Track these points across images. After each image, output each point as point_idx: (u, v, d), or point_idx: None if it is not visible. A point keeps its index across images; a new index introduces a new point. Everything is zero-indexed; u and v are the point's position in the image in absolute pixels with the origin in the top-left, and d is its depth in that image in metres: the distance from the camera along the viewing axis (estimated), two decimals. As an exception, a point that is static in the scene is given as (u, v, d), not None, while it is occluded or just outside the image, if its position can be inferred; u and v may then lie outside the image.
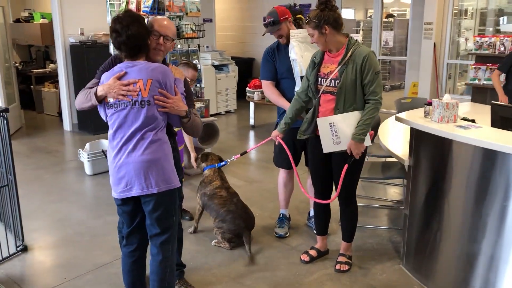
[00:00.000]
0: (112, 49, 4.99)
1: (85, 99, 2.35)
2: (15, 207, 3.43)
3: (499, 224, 2.50)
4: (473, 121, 3.02)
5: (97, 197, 4.58)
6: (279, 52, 3.49)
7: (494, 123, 3.02)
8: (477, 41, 6.71)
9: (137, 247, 2.47)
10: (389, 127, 4.12)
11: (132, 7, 4.78)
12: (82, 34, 6.99)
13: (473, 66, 6.74)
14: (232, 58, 8.88)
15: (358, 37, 9.11)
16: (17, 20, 8.97)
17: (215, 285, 3.02)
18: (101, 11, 7.04)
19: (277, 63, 3.48)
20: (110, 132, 2.32)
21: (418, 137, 2.98)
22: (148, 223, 2.39)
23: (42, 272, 3.22)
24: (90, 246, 3.55)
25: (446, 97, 2.79)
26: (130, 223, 2.43)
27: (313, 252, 3.35)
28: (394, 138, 3.84)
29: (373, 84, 2.78)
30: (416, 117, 2.99)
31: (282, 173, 3.72)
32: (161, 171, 2.27)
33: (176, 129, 3.85)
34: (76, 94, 7.13)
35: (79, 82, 7.03)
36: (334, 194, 3.06)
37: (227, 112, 8.63)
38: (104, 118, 2.37)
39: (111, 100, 2.25)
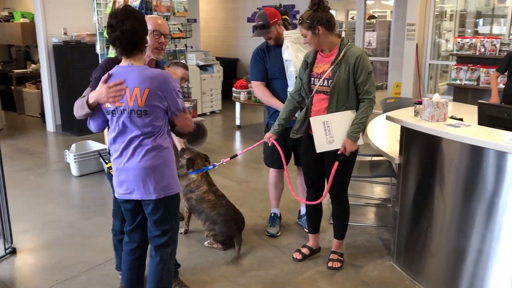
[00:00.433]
0: (98, 49, 4.95)
1: (80, 107, 2.33)
2: (3, 209, 3.38)
3: (487, 219, 2.57)
4: (461, 119, 3.10)
5: (85, 198, 4.54)
6: (269, 52, 3.51)
7: (481, 122, 3.09)
8: (458, 42, 6.87)
9: (138, 245, 2.47)
10: (376, 126, 4.19)
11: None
12: (65, 34, 6.90)
13: (455, 67, 6.89)
14: (217, 58, 8.88)
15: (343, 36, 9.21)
16: (-3, 20, 8.81)
17: (210, 285, 3.03)
18: (85, 11, 6.99)
19: (268, 64, 3.50)
20: (111, 136, 2.30)
21: (408, 136, 3.04)
22: (148, 225, 2.39)
23: (32, 274, 3.18)
24: (80, 247, 3.52)
25: (436, 97, 2.85)
26: (132, 221, 2.43)
27: (305, 250, 3.39)
28: (382, 137, 3.91)
29: (366, 83, 2.83)
30: (407, 116, 3.05)
31: (272, 173, 3.74)
32: (160, 178, 2.26)
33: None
34: (60, 94, 7.07)
35: (63, 82, 6.94)
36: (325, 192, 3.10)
37: (212, 112, 8.62)
38: (100, 123, 2.34)
39: (108, 106, 2.22)
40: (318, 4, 2.84)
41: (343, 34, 11.29)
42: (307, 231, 3.54)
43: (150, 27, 2.37)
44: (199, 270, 3.21)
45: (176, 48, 5.28)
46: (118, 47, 2.20)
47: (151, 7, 4.80)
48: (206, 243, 3.54)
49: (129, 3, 4.70)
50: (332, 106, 2.90)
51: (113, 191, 2.71)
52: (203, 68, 8.34)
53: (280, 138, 3.28)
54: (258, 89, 3.55)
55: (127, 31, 2.13)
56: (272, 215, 3.83)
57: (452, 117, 3.17)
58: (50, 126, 7.21)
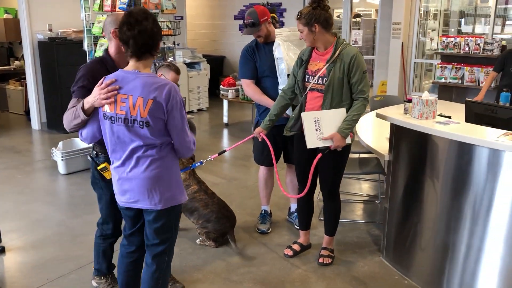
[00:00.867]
0: (86, 46, 4.90)
1: (72, 117, 2.24)
2: (-8, 207, 3.34)
3: (477, 215, 2.63)
4: (449, 117, 3.16)
5: (73, 196, 4.50)
6: (259, 50, 3.53)
7: (468, 119, 3.16)
8: (443, 41, 6.97)
9: (137, 249, 2.42)
10: (365, 123, 4.24)
11: (108, 3, 4.72)
12: (50, 30, 6.81)
13: (440, 65, 6.99)
14: (203, 56, 8.87)
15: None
16: (-21, 16, 8.65)
17: (202, 282, 3.04)
18: (70, 7, 6.92)
19: (258, 62, 3.51)
20: (108, 143, 2.20)
21: (398, 133, 3.09)
22: (147, 232, 2.31)
23: (23, 273, 3.15)
24: (71, 246, 3.49)
25: (426, 95, 2.90)
26: (132, 226, 2.39)
27: (296, 247, 3.42)
28: (370, 134, 3.95)
29: (361, 83, 2.86)
30: (396, 114, 3.09)
31: (262, 170, 3.76)
32: (166, 188, 2.19)
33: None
34: (45, 91, 6.97)
35: (48, 79, 6.86)
36: (318, 189, 3.13)
37: (200, 110, 8.61)
38: (95, 132, 2.25)
39: (107, 110, 2.12)
40: (318, 2, 2.86)
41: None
42: (298, 227, 3.57)
43: (115, 24, 2.29)
44: (190, 267, 3.22)
45: (165, 46, 5.25)
46: (131, 48, 2.06)
47: (140, 4, 4.77)
48: (198, 241, 3.55)
49: (118, 0, 4.66)
50: (326, 105, 2.92)
51: (102, 196, 2.66)
52: (190, 65, 8.32)
53: (269, 135, 3.29)
54: (249, 87, 3.56)
55: (145, 31, 2.03)
56: (263, 212, 3.85)
57: (440, 115, 3.22)
58: (35, 123, 7.12)
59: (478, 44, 6.60)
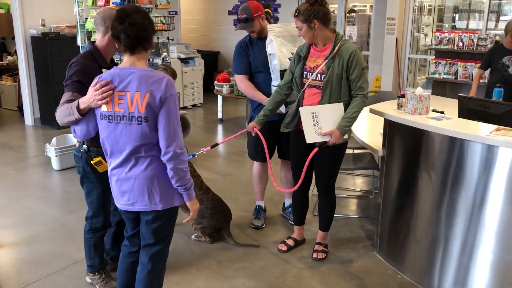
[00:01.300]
0: (79, 41, 4.88)
1: (67, 113, 2.22)
2: (-15, 203, 3.33)
3: (469, 209, 2.65)
4: (442, 112, 3.17)
5: (67, 192, 4.49)
6: (252, 46, 3.53)
7: (462, 115, 3.18)
8: (437, 37, 6.99)
9: (139, 249, 2.38)
10: (358, 119, 4.22)
11: (101, -2, 4.69)
12: (43, 25, 6.76)
13: (434, 61, 7.01)
14: (198, 51, 8.84)
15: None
16: (-29, 10, 8.58)
17: (196, 278, 3.05)
18: (63, 2, 6.87)
19: (251, 57, 3.51)
20: (104, 142, 2.16)
21: (391, 129, 3.10)
22: (143, 231, 2.28)
23: (17, 269, 3.15)
24: (65, 241, 3.49)
25: (419, 90, 2.91)
26: (134, 227, 2.36)
27: (290, 242, 3.43)
28: (364, 130, 3.96)
29: (360, 79, 2.86)
30: (390, 109, 3.10)
31: (256, 166, 3.77)
32: (166, 188, 2.15)
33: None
34: (39, 87, 6.93)
35: (42, 75, 6.82)
36: (313, 185, 3.13)
37: (194, 105, 8.59)
38: (90, 130, 2.22)
39: (104, 110, 2.09)
40: None
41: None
42: (292, 223, 3.58)
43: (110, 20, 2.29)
44: (184, 262, 3.23)
45: (159, 41, 5.24)
46: (123, 41, 2.05)
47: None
48: (193, 236, 3.55)
49: (111, -5, 4.64)
50: (324, 101, 2.91)
51: (93, 190, 2.66)
52: (184, 61, 8.29)
53: (263, 131, 3.29)
54: (242, 82, 3.56)
55: (136, 24, 2.02)
56: (257, 207, 3.86)
57: (434, 110, 3.24)
58: (28, 119, 7.08)
59: (472, 39, 6.62)
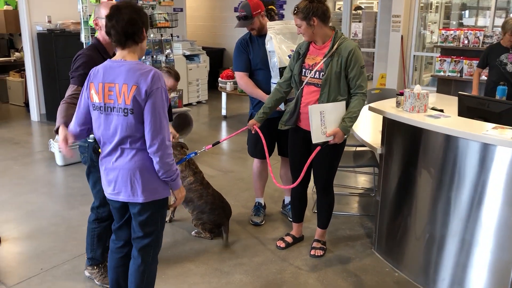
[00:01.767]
0: (83, 38, 4.90)
1: (60, 116, 2.42)
2: (-13, 198, 3.38)
3: (469, 209, 2.63)
4: (441, 111, 3.16)
5: (70, 187, 4.53)
6: (252, 43, 3.53)
7: (461, 113, 3.16)
8: (443, 34, 6.94)
9: (126, 243, 2.42)
10: (360, 117, 4.22)
11: (104, -5, 4.71)
12: (49, 22, 6.81)
13: (439, 59, 6.97)
14: (203, 48, 8.86)
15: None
16: (-21, 7, 8.67)
17: (194, 274, 3.07)
18: (69, -1, 6.91)
19: (251, 55, 3.52)
20: (97, 133, 2.21)
21: (390, 126, 3.09)
22: (133, 224, 2.32)
23: (17, 263, 3.19)
24: (66, 236, 3.53)
25: (417, 88, 2.90)
26: (119, 218, 2.39)
27: (288, 239, 3.44)
28: (366, 127, 3.96)
29: (359, 78, 2.85)
30: (388, 107, 3.10)
31: (256, 163, 3.78)
32: (149, 180, 2.17)
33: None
34: (45, 83, 7.00)
35: (47, 71, 6.87)
36: (311, 182, 3.13)
37: (199, 102, 8.62)
38: (83, 131, 2.28)
39: (96, 101, 2.14)
40: None
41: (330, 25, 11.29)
42: (291, 220, 3.59)
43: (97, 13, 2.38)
44: (183, 258, 3.25)
45: (162, 38, 5.26)
46: (113, 37, 2.11)
47: (137, -5, 4.77)
48: (193, 233, 3.57)
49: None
50: (323, 99, 2.91)
51: (99, 180, 2.70)
52: (189, 58, 8.32)
53: (263, 128, 3.30)
54: (242, 79, 3.57)
55: (122, 19, 2.06)
56: (257, 204, 3.87)
57: (433, 108, 3.23)
58: (34, 115, 7.15)
59: (478, 37, 6.56)
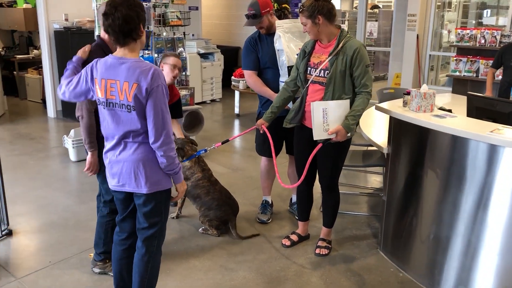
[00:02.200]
0: (96, 35, 4.97)
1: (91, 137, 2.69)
2: (-1, 191, 3.46)
3: (476, 210, 2.60)
4: (449, 111, 3.12)
5: (82, 183, 4.61)
6: (261, 42, 3.54)
7: (470, 113, 3.12)
8: (459, 34, 6.83)
9: (129, 235, 2.47)
10: (371, 116, 4.22)
11: (118, -7, 4.77)
12: (66, 20, 6.93)
13: (455, 58, 6.87)
14: (218, 46, 8.89)
15: (344, 28, 9.15)
16: (0, 5, 8.84)
17: (198, 270, 3.10)
18: (86, -3, 7.02)
19: (259, 53, 3.53)
20: (102, 126, 2.28)
21: (396, 126, 3.07)
22: (138, 215, 2.38)
23: (27, 255, 3.27)
24: (75, 231, 3.59)
25: (424, 87, 2.88)
26: (123, 210, 2.44)
27: (294, 237, 3.44)
28: (375, 127, 3.94)
29: (364, 76, 2.84)
30: (395, 107, 3.08)
31: (264, 161, 3.79)
32: (152, 172, 2.23)
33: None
34: (61, 80, 7.09)
35: (64, 68, 6.91)
36: (317, 180, 3.13)
37: (212, 100, 8.66)
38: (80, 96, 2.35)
39: (100, 96, 2.20)
40: None
41: (346, 24, 11.23)
42: (298, 218, 3.59)
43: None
44: (188, 254, 3.28)
45: (175, 36, 5.30)
46: (112, 35, 2.14)
47: (149, -6, 4.82)
48: (200, 229, 3.60)
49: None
50: (327, 98, 2.90)
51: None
52: (204, 56, 8.36)
53: (271, 126, 3.31)
54: (250, 78, 3.58)
55: (118, 18, 2.07)
56: (264, 202, 3.89)
57: (441, 108, 3.20)
58: (51, 111, 7.28)
59: (495, 36, 6.45)
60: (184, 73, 5.36)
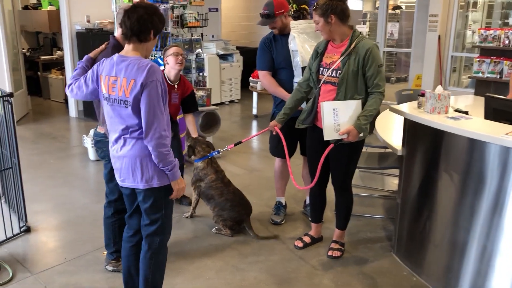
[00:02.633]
0: (111, 36, 5.05)
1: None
2: (18, 189, 3.54)
3: (491, 214, 2.54)
4: (466, 112, 3.06)
5: (100, 182, 4.65)
6: (276, 42, 3.54)
7: (488, 115, 3.05)
8: (482, 34, 6.69)
9: (136, 232, 2.51)
10: (388, 118, 4.16)
11: (136, -5, 4.83)
12: (88, 21, 7.07)
13: (477, 59, 6.73)
14: (237, 47, 8.92)
15: (364, 28, 9.05)
16: (26, 7, 9.05)
17: (209, 268, 3.12)
18: (107, -1, 7.14)
19: (274, 53, 3.52)
20: (107, 122, 2.37)
21: (411, 128, 3.03)
22: (142, 212, 2.43)
23: (44, 252, 3.34)
24: (91, 229, 3.65)
25: (438, 89, 2.83)
26: (130, 206, 2.50)
27: (306, 239, 3.43)
28: (392, 129, 3.88)
29: (376, 77, 2.82)
30: (410, 108, 3.04)
31: (278, 162, 3.78)
32: (147, 168, 2.27)
33: (178, 117, 3.92)
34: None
35: (85, 69, 7.10)
36: (329, 182, 3.11)
37: (231, 101, 8.69)
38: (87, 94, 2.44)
39: (104, 91, 2.29)
40: None
41: (367, 24, 11.13)
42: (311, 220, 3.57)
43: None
44: (201, 253, 3.30)
45: (192, 37, 5.34)
46: (122, 30, 2.25)
47: (167, -4, 4.87)
48: (213, 230, 3.62)
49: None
50: (340, 98, 2.89)
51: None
52: (223, 57, 8.40)
53: (285, 127, 3.30)
54: (265, 78, 3.58)
55: (133, 16, 2.18)
56: (277, 203, 3.88)
57: (457, 110, 3.13)
58: (72, 111, 7.42)
59: (519, 37, 6.30)
60: (201, 74, 5.39)
